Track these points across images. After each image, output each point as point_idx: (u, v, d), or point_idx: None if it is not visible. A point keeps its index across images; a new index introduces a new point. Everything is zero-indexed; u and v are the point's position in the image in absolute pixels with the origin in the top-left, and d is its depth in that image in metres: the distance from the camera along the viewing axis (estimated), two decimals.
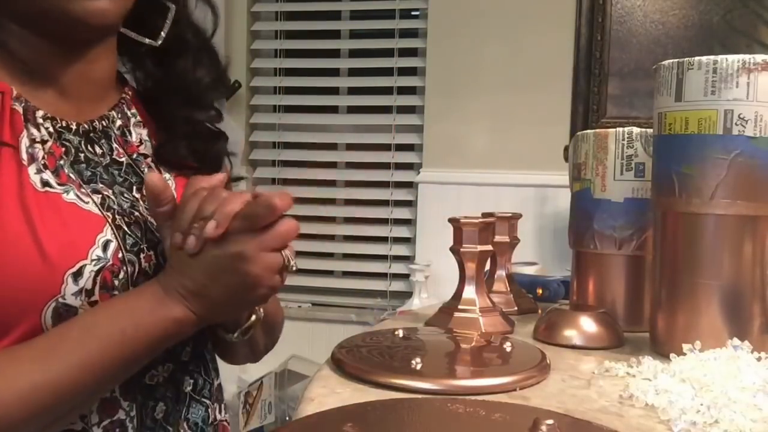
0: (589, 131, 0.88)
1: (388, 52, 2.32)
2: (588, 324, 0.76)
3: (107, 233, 0.61)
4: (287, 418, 1.92)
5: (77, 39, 0.66)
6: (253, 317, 0.69)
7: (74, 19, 0.61)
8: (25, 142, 0.61)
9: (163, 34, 0.72)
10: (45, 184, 0.60)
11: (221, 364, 0.78)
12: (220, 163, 0.80)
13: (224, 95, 0.80)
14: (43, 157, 0.62)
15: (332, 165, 2.43)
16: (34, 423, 0.55)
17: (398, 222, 2.32)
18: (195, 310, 0.59)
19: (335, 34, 2.43)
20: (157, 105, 0.76)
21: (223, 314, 0.64)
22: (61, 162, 0.63)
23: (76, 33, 0.64)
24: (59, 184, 0.61)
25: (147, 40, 0.71)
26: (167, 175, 0.73)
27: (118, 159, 0.70)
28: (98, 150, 0.68)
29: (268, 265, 0.58)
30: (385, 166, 2.35)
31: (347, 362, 0.62)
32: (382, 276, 2.33)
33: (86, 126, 0.68)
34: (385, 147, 2.35)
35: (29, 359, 0.55)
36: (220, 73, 0.79)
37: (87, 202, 0.62)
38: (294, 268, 0.61)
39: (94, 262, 0.59)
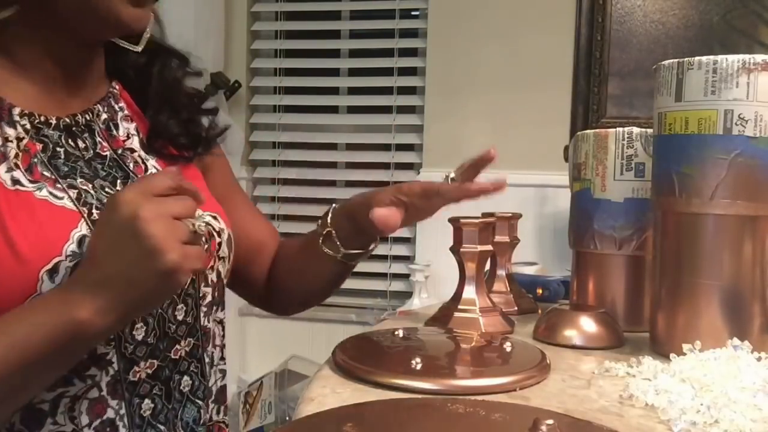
0: (589, 131, 0.88)
1: (388, 52, 2.32)
2: (588, 324, 0.76)
3: (82, 228, 0.61)
4: (287, 418, 1.91)
5: (96, 42, 0.68)
6: (372, 245, 0.79)
7: (123, 23, 0.64)
8: None
9: (143, 41, 0.72)
10: (15, 182, 0.60)
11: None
12: (210, 141, 0.81)
13: (188, 76, 0.83)
14: (16, 156, 0.61)
15: (332, 165, 2.43)
16: None
17: None
18: (101, 303, 0.53)
19: (335, 34, 2.43)
20: (142, 92, 0.77)
21: (132, 300, 0.55)
22: (35, 160, 0.63)
23: (110, 35, 0.68)
24: (31, 182, 0.61)
25: (129, 46, 0.72)
26: (154, 170, 0.73)
27: (101, 153, 0.70)
28: (81, 144, 0.68)
29: (168, 228, 0.54)
30: (385, 166, 2.35)
31: (347, 362, 0.62)
32: (382, 276, 2.33)
33: (68, 120, 0.68)
34: (385, 147, 2.35)
35: None
36: (186, 61, 0.80)
37: (61, 198, 0.62)
38: (202, 230, 0.58)
39: (69, 258, 0.59)
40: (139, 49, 0.72)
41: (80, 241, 0.60)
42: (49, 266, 0.58)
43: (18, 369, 0.53)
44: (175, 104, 0.77)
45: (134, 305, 0.56)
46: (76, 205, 0.62)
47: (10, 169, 0.60)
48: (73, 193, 0.63)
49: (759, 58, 0.65)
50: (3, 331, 0.54)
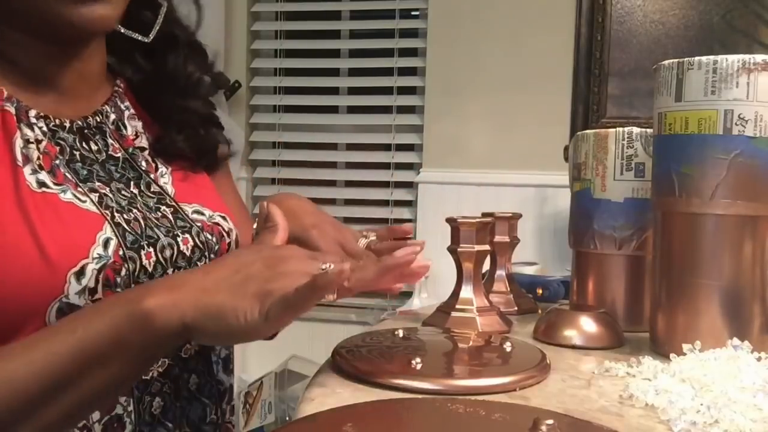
0: (589, 131, 0.88)
1: (388, 52, 2.32)
2: (588, 324, 0.75)
3: (107, 231, 0.61)
4: (287, 418, 1.92)
5: (73, 42, 0.66)
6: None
7: (71, 25, 0.61)
8: (18, 143, 0.61)
9: (154, 30, 0.71)
10: (41, 184, 0.60)
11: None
12: (215, 151, 0.80)
13: (215, 92, 0.81)
14: (38, 158, 0.61)
15: (332, 165, 2.43)
16: None
17: (398, 222, 2.32)
18: (173, 297, 0.51)
19: (335, 34, 2.43)
20: (150, 98, 0.76)
21: (213, 309, 0.52)
22: (57, 162, 0.63)
23: (73, 37, 0.65)
24: (56, 184, 0.61)
25: (139, 36, 0.71)
26: (164, 169, 0.73)
27: (114, 155, 0.70)
28: (93, 146, 0.68)
29: (302, 267, 0.54)
30: (385, 166, 2.35)
31: (347, 362, 0.62)
32: None
33: (80, 123, 0.68)
34: (385, 147, 2.35)
35: None
36: (209, 66, 0.79)
37: (84, 201, 0.62)
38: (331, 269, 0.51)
39: (95, 261, 0.59)
40: (149, 39, 0.71)
41: (105, 243, 0.60)
42: (76, 268, 0.58)
43: (74, 357, 0.51)
44: (184, 116, 0.75)
45: (203, 311, 0.52)
46: (98, 208, 0.62)
47: (34, 171, 0.60)
48: (94, 196, 0.63)
49: (759, 58, 0.65)
50: (69, 319, 0.54)
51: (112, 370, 0.52)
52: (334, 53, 2.44)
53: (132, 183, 0.69)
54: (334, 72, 2.44)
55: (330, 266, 0.50)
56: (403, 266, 0.58)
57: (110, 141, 0.70)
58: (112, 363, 0.52)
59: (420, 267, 0.60)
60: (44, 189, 0.60)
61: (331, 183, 2.43)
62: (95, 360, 0.51)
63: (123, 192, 0.67)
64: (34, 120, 0.63)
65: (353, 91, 2.40)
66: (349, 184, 2.43)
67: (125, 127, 0.73)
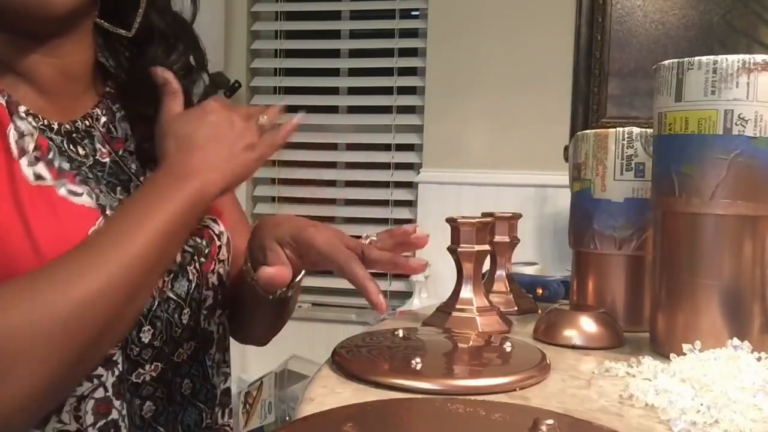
0: (589, 131, 0.88)
1: (388, 52, 2.32)
2: (588, 324, 0.75)
3: (99, 226, 0.61)
4: (287, 418, 1.92)
5: (39, 33, 0.64)
6: (300, 276, 0.71)
7: (16, 12, 0.60)
8: (12, 134, 0.60)
9: (136, 23, 0.70)
10: (38, 177, 0.60)
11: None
12: None
13: (214, 92, 0.80)
14: (34, 149, 0.61)
15: (332, 165, 2.43)
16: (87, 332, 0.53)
17: (398, 222, 2.32)
18: (218, 177, 0.62)
19: (335, 34, 2.43)
20: (130, 99, 0.74)
21: (221, 163, 0.63)
22: (51, 155, 0.62)
23: (28, 26, 0.63)
24: (52, 178, 0.61)
25: (122, 31, 0.70)
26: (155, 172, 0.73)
27: (101, 160, 0.69)
28: (81, 151, 0.67)
29: (247, 124, 0.67)
30: (385, 166, 2.35)
31: (347, 362, 0.62)
32: (382, 276, 2.33)
33: (68, 126, 0.67)
34: (385, 147, 2.35)
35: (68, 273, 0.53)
36: (199, 58, 0.78)
37: (80, 194, 0.62)
38: (264, 120, 0.69)
39: None
40: (130, 34, 0.70)
41: None
42: None
43: (160, 238, 0.57)
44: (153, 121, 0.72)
45: (230, 176, 0.64)
46: (95, 202, 0.62)
47: (31, 163, 0.60)
48: (89, 191, 0.63)
49: (759, 58, 0.65)
50: (133, 206, 0.59)
51: (181, 244, 0.64)
52: (334, 53, 2.44)
53: (119, 188, 0.68)
54: (334, 72, 2.44)
55: (264, 118, 0.69)
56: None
57: (98, 146, 0.69)
58: (182, 236, 0.61)
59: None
60: (41, 182, 0.60)
61: (331, 183, 2.43)
62: (174, 237, 0.59)
63: (110, 196, 0.66)
64: (23, 115, 0.63)
65: (353, 91, 2.40)
66: (349, 184, 2.43)
67: (116, 130, 0.72)
